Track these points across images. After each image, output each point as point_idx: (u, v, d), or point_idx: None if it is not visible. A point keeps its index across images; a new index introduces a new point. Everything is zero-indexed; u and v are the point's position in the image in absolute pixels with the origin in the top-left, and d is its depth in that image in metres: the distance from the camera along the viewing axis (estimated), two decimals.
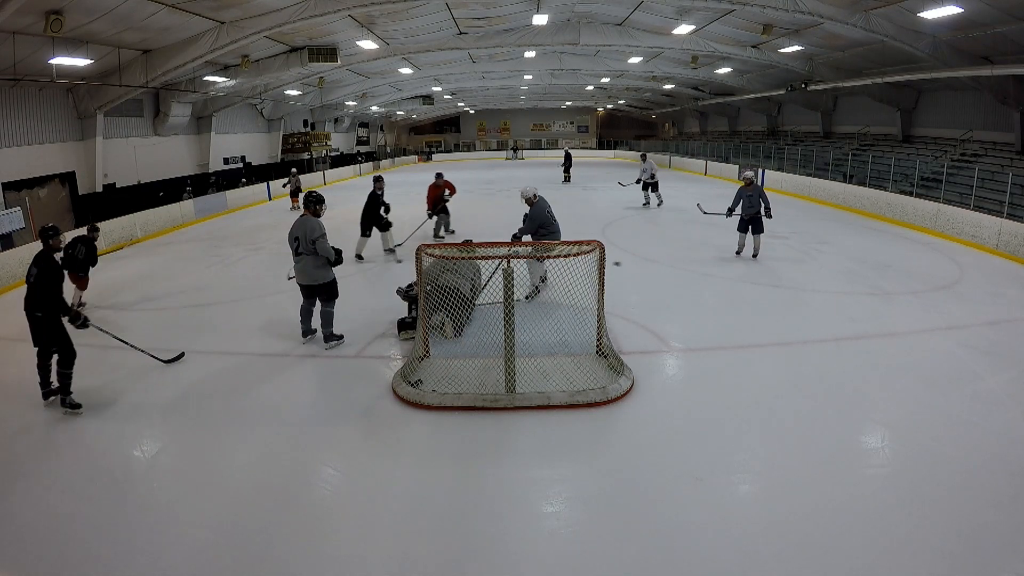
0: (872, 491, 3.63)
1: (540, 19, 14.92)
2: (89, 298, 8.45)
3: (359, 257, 9.98)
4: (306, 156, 27.42)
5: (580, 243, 5.05)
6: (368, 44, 15.70)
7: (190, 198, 16.44)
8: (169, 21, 11.50)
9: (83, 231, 8.40)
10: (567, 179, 22.66)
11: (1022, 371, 5.30)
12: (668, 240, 11.64)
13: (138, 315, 7.62)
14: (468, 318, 6.38)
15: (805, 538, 3.21)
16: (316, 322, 6.29)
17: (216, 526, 3.40)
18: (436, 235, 11.49)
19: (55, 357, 4.96)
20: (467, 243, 6.97)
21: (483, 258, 5.50)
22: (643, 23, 15.93)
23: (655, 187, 15.79)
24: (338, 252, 5.98)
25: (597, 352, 5.36)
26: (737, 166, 23.34)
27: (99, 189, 14.88)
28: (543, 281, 7.13)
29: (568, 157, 23.72)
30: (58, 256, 5.12)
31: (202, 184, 19.40)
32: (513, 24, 16.02)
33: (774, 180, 19.91)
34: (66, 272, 7.14)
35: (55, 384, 5.00)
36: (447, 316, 5.97)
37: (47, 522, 3.46)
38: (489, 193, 18.19)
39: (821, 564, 3.02)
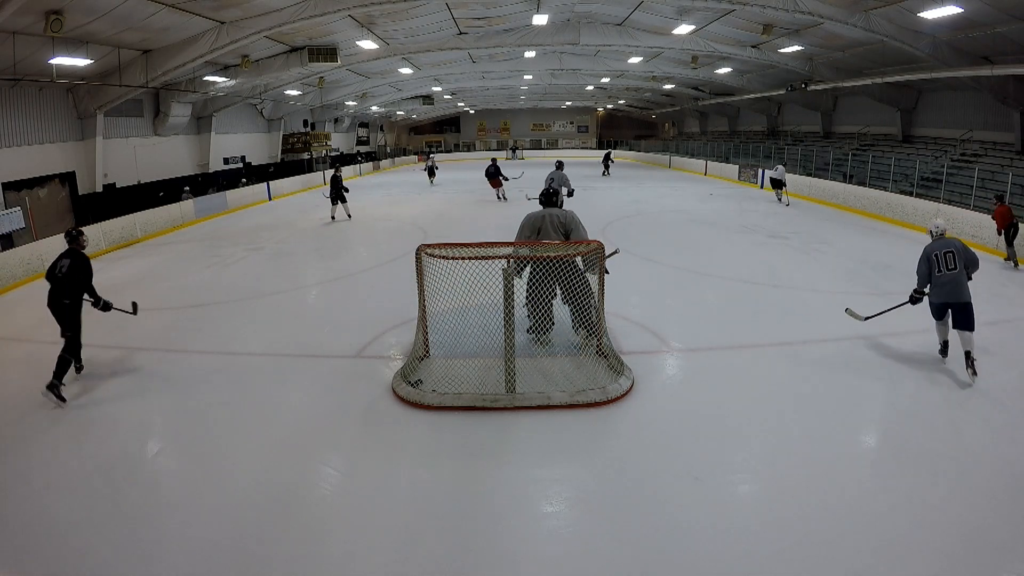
0: (871, 491, 3.63)
1: (540, 19, 14.93)
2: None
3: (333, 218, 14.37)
4: (306, 156, 27.41)
5: (579, 243, 5.05)
6: (368, 44, 15.70)
7: (189, 198, 16.42)
8: (169, 21, 11.51)
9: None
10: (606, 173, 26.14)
11: (1022, 371, 5.30)
12: (668, 240, 11.65)
13: (138, 315, 7.60)
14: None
15: (805, 538, 3.21)
16: None
17: (216, 526, 3.40)
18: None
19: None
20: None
21: (485, 258, 5.50)
22: (643, 23, 15.94)
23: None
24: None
25: (597, 352, 5.36)
26: (737, 166, 23.31)
27: (99, 189, 14.88)
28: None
29: (608, 155, 27.55)
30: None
31: (204, 184, 19.39)
32: (513, 24, 16.02)
33: None
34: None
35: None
36: None
37: (46, 522, 3.45)
38: (490, 192, 18.27)
39: (821, 564, 3.02)
